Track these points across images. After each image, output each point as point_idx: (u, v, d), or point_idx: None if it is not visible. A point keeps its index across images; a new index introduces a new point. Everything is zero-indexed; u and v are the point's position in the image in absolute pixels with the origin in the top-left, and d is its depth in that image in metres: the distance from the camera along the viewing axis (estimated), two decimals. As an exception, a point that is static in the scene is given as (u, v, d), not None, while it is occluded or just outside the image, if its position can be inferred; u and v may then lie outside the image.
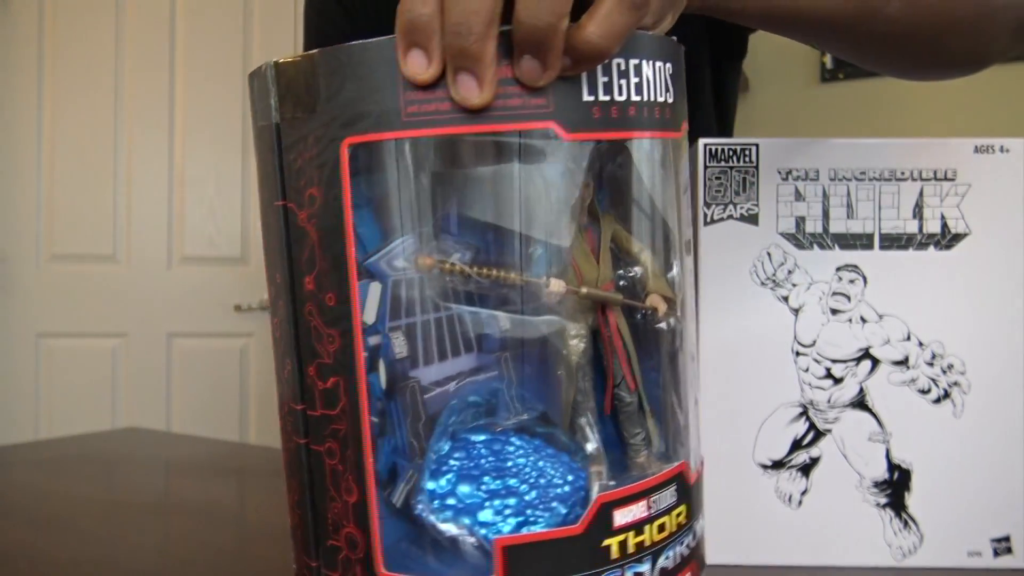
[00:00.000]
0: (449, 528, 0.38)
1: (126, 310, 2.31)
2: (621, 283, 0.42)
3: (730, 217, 0.62)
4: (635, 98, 0.36)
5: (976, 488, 0.61)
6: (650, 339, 0.43)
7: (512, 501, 0.38)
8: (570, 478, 0.39)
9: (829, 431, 0.61)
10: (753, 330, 0.61)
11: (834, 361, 0.61)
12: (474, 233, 0.39)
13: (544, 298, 0.39)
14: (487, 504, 0.38)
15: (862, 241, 0.61)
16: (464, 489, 0.38)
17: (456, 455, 0.39)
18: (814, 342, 0.61)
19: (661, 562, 0.39)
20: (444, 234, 0.39)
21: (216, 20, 2.36)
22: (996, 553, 0.61)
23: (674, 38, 0.39)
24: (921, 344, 0.61)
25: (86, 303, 2.30)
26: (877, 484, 0.61)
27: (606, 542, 0.37)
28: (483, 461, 0.38)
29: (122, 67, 2.30)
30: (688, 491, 0.42)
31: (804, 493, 0.61)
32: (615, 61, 0.35)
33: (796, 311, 0.61)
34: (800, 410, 0.61)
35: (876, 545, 0.61)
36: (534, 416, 0.40)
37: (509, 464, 0.39)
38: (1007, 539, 0.61)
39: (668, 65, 0.38)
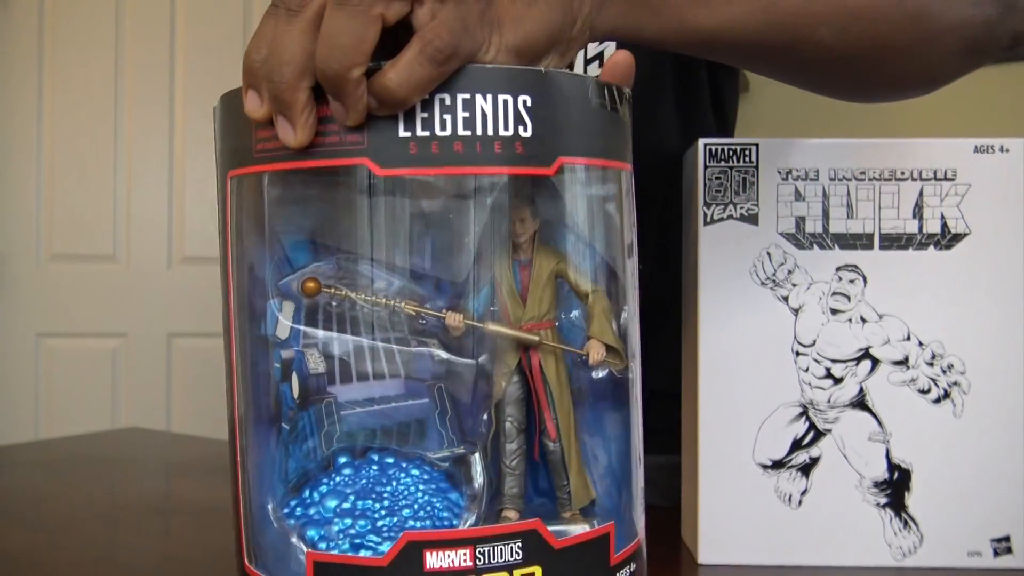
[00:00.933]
0: (293, 535, 0.39)
1: (126, 310, 2.31)
2: (560, 323, 0.41)
3: (730, 217, 0.62)
4: (463, 133, 0.35)
5: (976, 488, 0.61)
6: (594, 387, 0.41)
7: (362, 523, 0.38)
8: (444, 514, 0.38)
9: (829, 431, 0.61)
10: (753, 330, 0.61)
11: (834, 361, 0.61)
12: (393, 263, 0.39)
13: (451, 331, 0.38)
14: (336, 521, 0.38)
15: (862, 241, 0.61)
16: (329, 503, 0.39)
17: (345, 471, 0.39)
18: (814, 342, 0.61)
19: None
20: (364, 262, 0.38)
21: (216, 20, 2.36)
22: (996, 553, 0.61)
23: (540, 68, 0.37)
24: (921, 344, 0.61)
25: (86, 303, 2.30)
26: (877, 484, 0.61)
27: None
28: (364, 482, 0.38)
29: (122, 67, 2.30)
30: (547, 553, 0.37)
31: (804, 493, 0.61)
32: (437, 96, 0.35)
33: (796, 311, 0.61)
34: (800, 410, 0.61)
35: (876, 545, 0.61)
36: (451, 448, 0.39)
37: (387, 489, 0.38)
38: (1007, 539, 0.61)
39: (524, 98, 0.36)
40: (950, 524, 0.61)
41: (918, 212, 0.61)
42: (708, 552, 0.62)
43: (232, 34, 2.37)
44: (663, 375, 0.68)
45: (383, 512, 0.38)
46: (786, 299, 0.61)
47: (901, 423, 0.61)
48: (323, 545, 0.38)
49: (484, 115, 0.35)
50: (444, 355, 0.39)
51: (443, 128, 0.35)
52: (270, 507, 0.40)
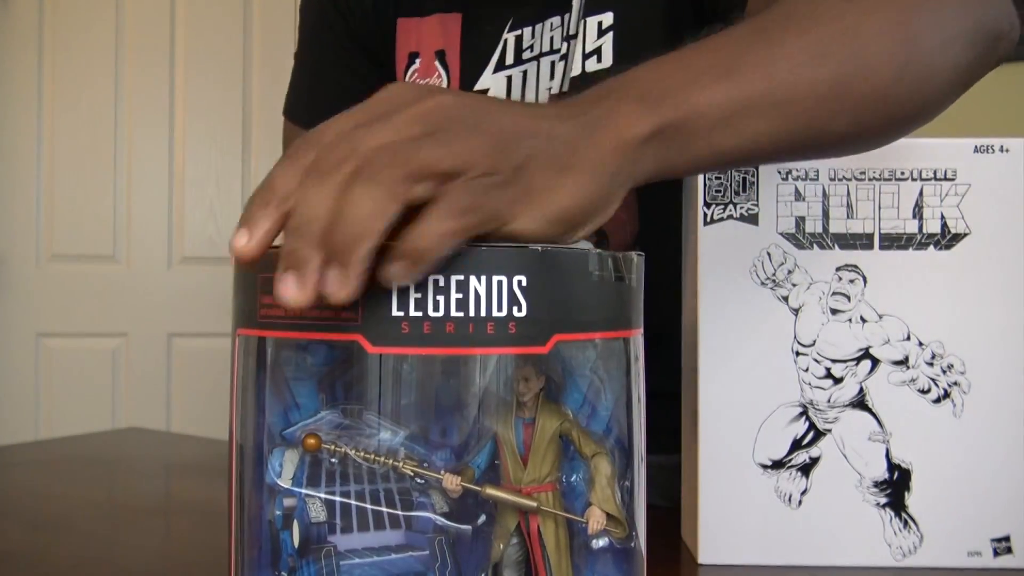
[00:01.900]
0: None
1: (126, 310, 2.31)
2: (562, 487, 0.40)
3: (730, 217, 0.62)
4: (456, 314, 0.36)
5: (976, 488, 0.61)
6: (595, 554, 0.40)
7: None
8: None
9: (829, 431, 0.61)
10: (753, 330, 0.61)
11: (834, 361, 0.61)
12: (395, 420, 0.39)
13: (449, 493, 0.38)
14: None
15: (862, 241, 0.61)
16: None
17: None
18: (814, 342, 0.61)
19: None
20: (370, 416, 0.39)
21: (216, 20, 2.36)
22: (996, 553, 0.61)
23: (538, 247, 0.37)
24: (921, 344, 0.61)
25: (86, 303, 2.30)
26: (877, 484, 0.61)
27: None
28: None
29: (122, 67, 2.30)
30: None
31: (804, 493, 0.61)
32: (431, 277, 0.35)
33: (796, 311, 0.61)
34: (800, 410, 0.61)
35: (876, 545, 0.61)
36: None
37: None
38: (1007, 539, 0.61)
39: (520, 278, 0.36)
40: (950, 524, 0.61)
41: (918, 212, 0.61)
42: (708, 552, 0.62)
43: (232, 34, 2.37)
44: (665, 376, 0.68)
45: None
46: (786, 299, 0.61)
47: (901, 423, 0.61)
48: None
49: (477, 296, 0.36)
50: (440, 520, 0.39)
51: (436, 309, 0.35)
52: None
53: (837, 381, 0.61)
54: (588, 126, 0.40)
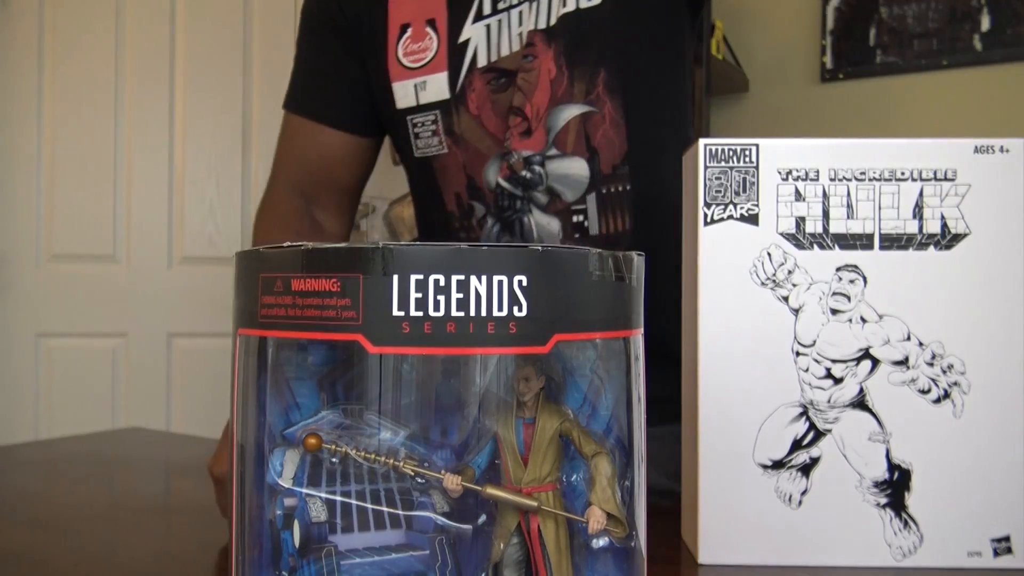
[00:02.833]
0: None
1: (126, 310, 2.31)
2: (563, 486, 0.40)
3: (730, 217, 0.62)
4: (457, 314, 0.36)
5: (976, 488, 0.61)
6: (595, 553, 0.41)
7: None
8: None
9: (829, 431, 0.61)
10: (753, 330, 0.61)
11: (834, 361, 0.61)
12: (396, 420, 0.39)
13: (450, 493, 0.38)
14: None
15: (862, 241, 0.61)
16: None
17: None
18: (814, 342, 0.61)
19: None
20: (371, 415, 0.39)
21: (216, 20, 2.36)
22: (996, 553, 0.61)
23: (538, 247, 0.38)
24: (921, 344, 0.61)
25: (86, 303, 2.30)
26: (877, 484, 0.61)
27: None
28: None
29: (122, 67, 2.30)
30: None
31: (804, 493, 0.61)
32: (432, 277, 0.36)
33: (796, 311, 0.61)
34: (800, 410, 0.61)
35: (876, 545, 0.61)
36: None
37: None
38: (1007, 539, 0.61)
39: (520, 278, 0.37)
40: (950, 524, 0.61)
41: (918, 212, 0.61)
42: (708, 552, 0.62)
43: (232, 34, 2.37)
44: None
45: None
46: (786, 299, 0.61)
47: (901, 423, 0.61)
48: None
49: (478, 296, 0.36)
50: (440, 520, 0.39)
51: (436, 308, 0.36)
52: None
53: (837, 381, 0.61)
54: None
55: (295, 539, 0.39)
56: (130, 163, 2.31)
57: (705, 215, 0.62)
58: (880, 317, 0.61)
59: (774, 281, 0.61)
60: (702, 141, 0.62)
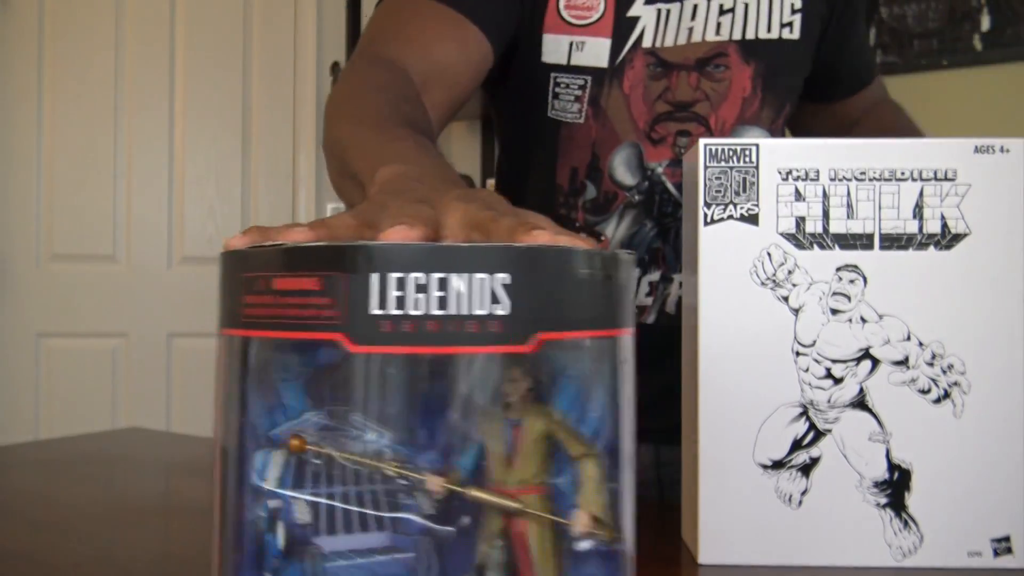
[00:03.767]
0: None
1: (126, 310, 2.31)
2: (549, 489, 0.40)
3: (730, 217, 0.62)
4: (436, 312, 0.35)
5: (976, 488, 0.61)
6: (581, 557, 0.40)
7: None
8: None
9: (829, 431, 0.61)
10: (753, 330, 0.61)
11: (834, 361, 0.61)
12: (379, 421, 0.38)
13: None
14: None
15: (862, 241, 0.61)
16: None
17: None
18: (814, 342, 0.61)
19: None
20: (355, 416, 0.38)
21: (216, 20, 2.36)
22: (996, 553, 0.61)
23: (521, 245, 0.37)
24: (921, 344, 0.61)
25: (86, 303, 2.30)
26: (877, 484, 0.61)
27: None
28: None
29: (122, 67, 2.30)
30: None
31: (804, 493, 0.61)
32: (412, 275, 0.35)
33: (796, 311, 0.61)
34: (800, 410, 0.61)
35: (876, 545, 0.61)
36: None
37: None
38: (1007, 539, 0.61)
39: (502, 276, 0.36)
40: (950, 524, 0.61)
41: (918, 212, 0.61)
42: (708, 552, 0.62)
43: (232, 34, 2.37)
44: None
45: None
46: (786, 299, 0.61)
47: (901, 423, 0.61)
48: None
49: (459, 295, 0.35)
50: (424, 522, 0.38)
51: (416, 307, 0.35)
52: None
53: (837, 381, 0.61)
54: None
55: (279, 541, 0.39)
56: (130, 163, 2.31)
57: (705, 215, 0.62)
58: (880, 317, 0.61)
59: (774, 281, 0.61)
60: (702, 141, 0.62)
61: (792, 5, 0.92)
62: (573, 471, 0.40)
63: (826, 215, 0.62)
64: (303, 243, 0.38)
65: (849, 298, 0.61)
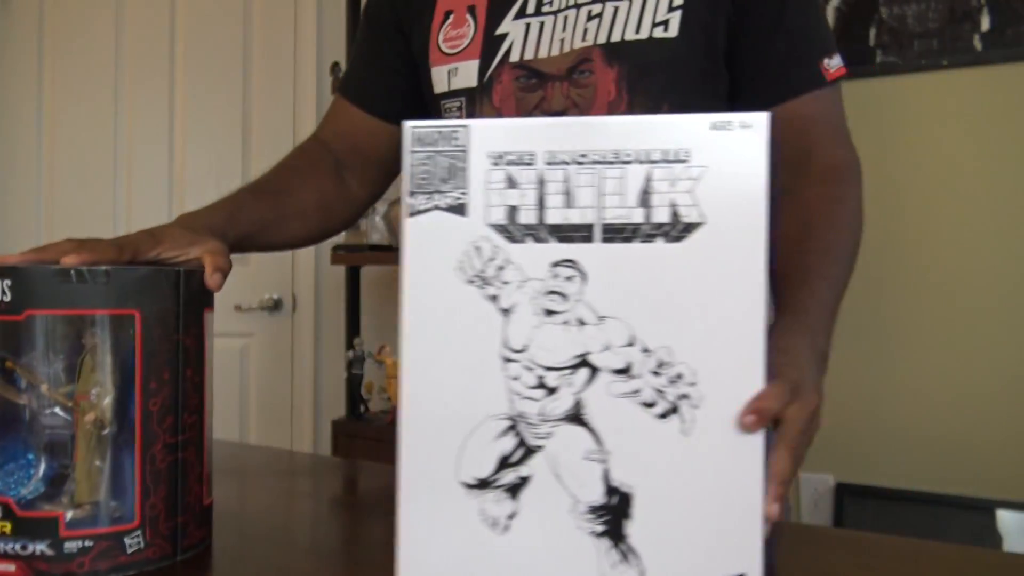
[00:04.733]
0: None
1: (126, 308, 2.34)
2: None
3: (436, 207, 0.55)
4: None
5: (707, 517, 0.53)
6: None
7: None
8: None
9: (540, 448, 0.54)
10: (459, 333, 0.55)
11: (548, 369, 0.54)
12: None
13: None
14: None
15: (581, 233, 0.54)
16: None
17: None
18: (526, 347, 0.54)
19: None
20: None
21: (216, 20, 2.37)
22: (731, 593, 0.53)
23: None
24: (646, 350, 0.53)
25: (87, 301, 2.33)
26: (593, 509, 0.54)
27: None
28: None
29: (122, 67, 2.33)
30: None
31: (511, 517, 0.54)
32: None
33: (506, 312, 0.54)
34: (508, 423, 0.54)
35: (593, 579, 0.53)
36: None
37: None
38: (742, 577, 0.52)
39: (7, 280, 0.62)
40: (676, 558, 0.53)
41: (645, 199, 0.54)
42: (411, 580, 0.55)
43: (232, 35, 2.38)
44: None
45: None
46: (495, 298, 0.54)
47: (622, 440, 0.53)
48: None
49: None
50: None
51: None
52: None
53: (550, 392, 0.54)
54: (820, 371, 0.69)
55: None
56: (130, 163, 2.34)
57: (410, 205, 0.55)
58: (600, 319, 0.54)
59: (482, 278, 0.55)
60: (406, 123, 0.56)
61: (671, 2, 0.88)
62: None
63: (541, 204, 0.54)
64: None
65: (566, 297, 0.54)
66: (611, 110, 0.87)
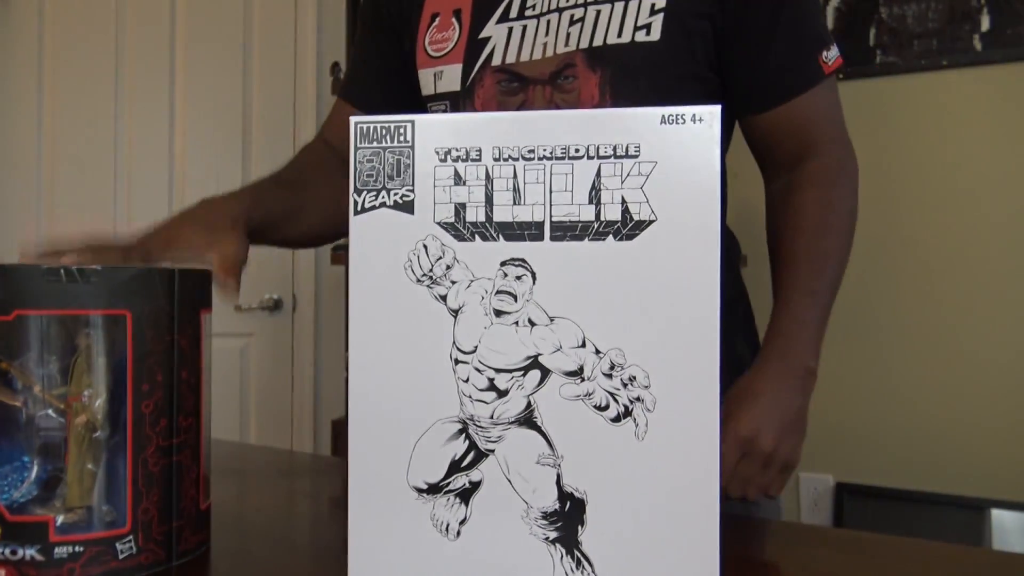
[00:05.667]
0: None
1: (127, 309, 2.34)
2: None
3: (383, 205, 0.54)
4: None
5: (662, 525, 0.51)
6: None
7: None
8: None
9: (492, 451, 0.53)
10: (407, 334, 0.53)
11: (498, 371, 0.53)
12: None
13: None
14: None
15: (531, 231, 0.52)
16: None
17: None
18: (475, 348, 0.53)
19: None
20: None
21: (216, 20, 2.36)
22: (687, 600, 0.51)
23: None
24: (598, 352, 0.52)
25: (88, 302, 2.33)
26: (546, 515, 0.52)
27: None
28: None
29: (122, 67, 2.33)
30: None
31: (463, 523, 0.53)
32: None
33: (455, 312, 0.53)
34: (460, 426, 0.53)
35: (545, 586, 0.52)
36: None
37: None
38: (698, 584, 0.51)
39: None
40: (630, 566, 0.51)
41: (595, 196, 0.52)
42: (362, 587, 0.54)
43: (232, 34, 2.37)
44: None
45: None
46: (444, 298, 0.53)
47: (574, 444, 0.52)
48: None
49: None
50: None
51: None
52: None
53: (501, 394, 0.53)
54: (804, 397, 0.84)
55: None
56: (130, 163, 2.34)
57: (356, 203, 0.54)
58: (551, 320, 0.52)
59: (431, 278, 0.53)
60: (353, 119, 0.54)
61: (652, 6, 0.86)
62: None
63: (489, 201, 0.53)
64: None
65: (515, 297, 0.52)
66: None
